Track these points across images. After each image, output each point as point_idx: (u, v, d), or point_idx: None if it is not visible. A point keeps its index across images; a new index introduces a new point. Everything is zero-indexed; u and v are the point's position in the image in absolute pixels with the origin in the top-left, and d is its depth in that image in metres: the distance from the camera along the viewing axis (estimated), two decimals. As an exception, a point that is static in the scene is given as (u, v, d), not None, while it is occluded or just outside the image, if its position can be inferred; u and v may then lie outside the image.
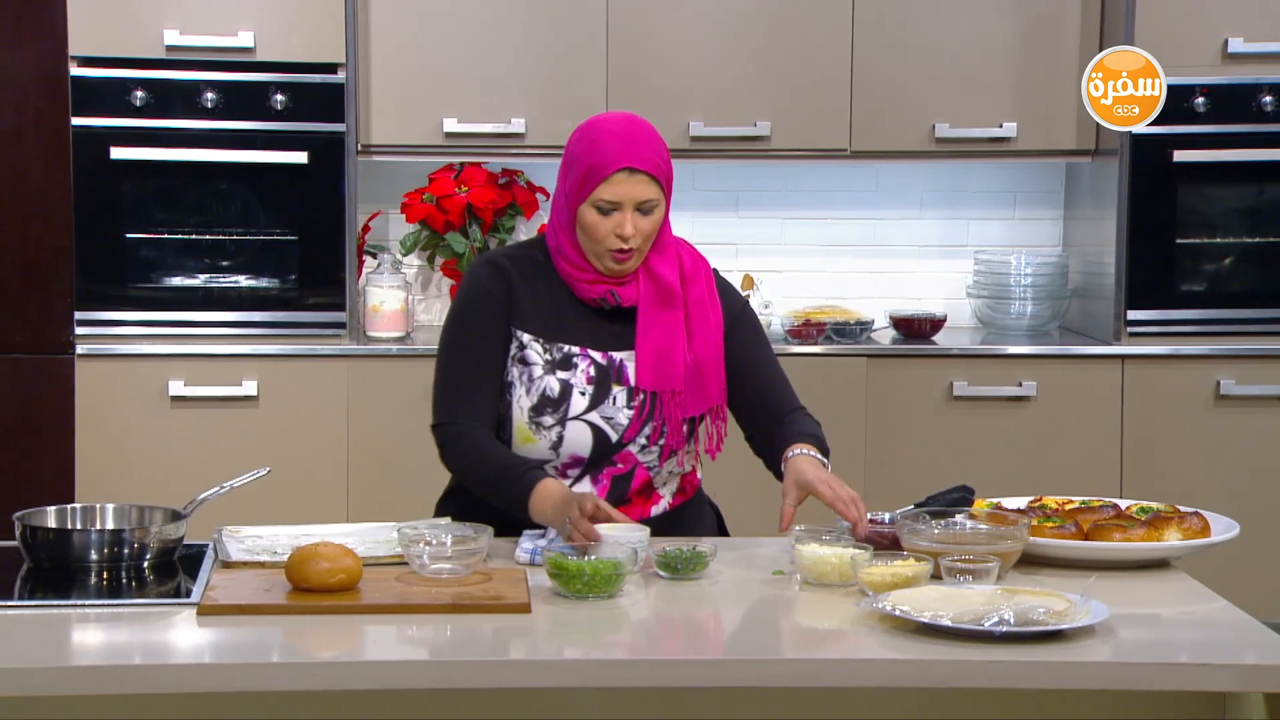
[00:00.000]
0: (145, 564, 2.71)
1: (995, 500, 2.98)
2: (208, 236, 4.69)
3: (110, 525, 2.83)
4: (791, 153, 4.95)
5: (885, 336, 5.03)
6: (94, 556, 2.68)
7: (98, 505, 2.87)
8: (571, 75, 4.83)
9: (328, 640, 2.45)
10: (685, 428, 3.01)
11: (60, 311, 4.54)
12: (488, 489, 2.96)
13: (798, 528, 2.82)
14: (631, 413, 2.99)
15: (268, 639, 2.44)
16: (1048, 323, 5.12)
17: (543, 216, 5.15)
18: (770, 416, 3.06)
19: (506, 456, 2.96)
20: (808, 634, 2.60)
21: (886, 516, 2.88)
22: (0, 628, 2.45)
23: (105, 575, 2.67)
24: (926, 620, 2.41)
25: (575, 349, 3.00)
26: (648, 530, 2.80)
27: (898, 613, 2.44)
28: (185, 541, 2.80)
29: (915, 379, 4.82)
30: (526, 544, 2.83)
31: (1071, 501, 2.99)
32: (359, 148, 4.74)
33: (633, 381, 3.00)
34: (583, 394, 2.98)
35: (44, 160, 4.50)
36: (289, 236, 4.71)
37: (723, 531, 3.22)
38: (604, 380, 2.99)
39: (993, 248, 5.24)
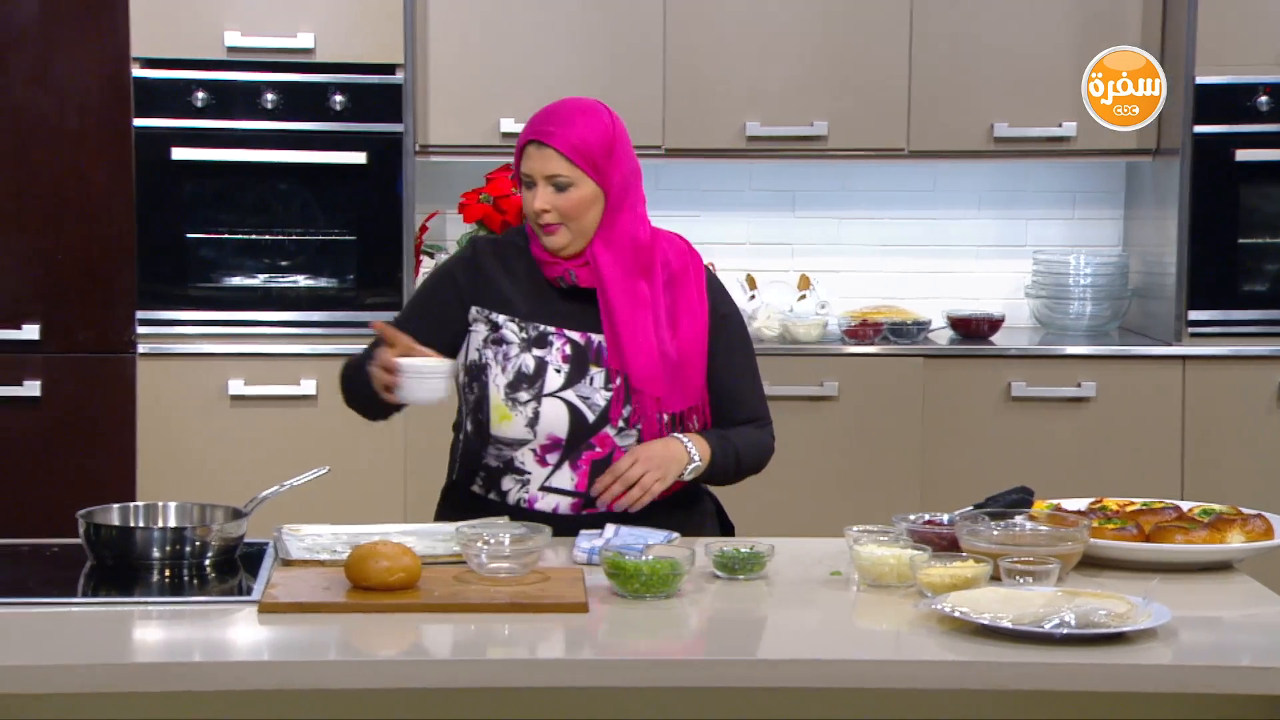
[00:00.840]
0: (206, 562, 2.73)
1: (1055, 501, 2.96)
2: (267, 236, 4.72)
3: (172, 523, 2.85)
4: (849, 152, 4.93)
5: (942, 337, 5.01)
6: (156, 554, 2.70)
7: (160, 503, 2.89)
8: (629, 75, 4.83)
9: (387, 639, 2.46)
10: (665, 418, 3.02)
11: (122, 311, 4.57)
12: (357, 386, 3.02)
13: (854, 528, 2.81)
14: (610, 394, 3.00)
15: (327, 637, 2.46)
16: (1107, 323, 5.08)
17: (599, 216, 5.15)
18: (726, 425, 3.09)
19: (366, 354, 3.01)
20: (866, 635, 2.59)
21: (945, 518, 2.87)
22: (64, 624, 2.48)
23: (167, 573, 2.69)
24: (986, 622, 2.40)
25: (551, 328, 3.03)
26: (450, 363, 2.89)
27: (957, 614, 2.43)
28: (245, 540, 2.82)
29: (973, 379, 4.80)
30: (584, 544, 2.84)
31: (1133, 503, 2.97)
32: (417, 148, 4.76)
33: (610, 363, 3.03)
34: (558, 371, 3.01)
35: (106, 161, 4.54)
36: (347, 236, 4.73)
37: (725, 522, 3.21)
38: (581, 360, 3.02)
39: (1052, 248, 5.21)
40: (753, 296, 5.06)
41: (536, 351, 3.02)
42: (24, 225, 4.54)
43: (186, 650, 2.46)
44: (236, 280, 4.70)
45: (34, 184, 4.53)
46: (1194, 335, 4.80)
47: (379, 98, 4.68)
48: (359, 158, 4.67)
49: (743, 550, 2.75)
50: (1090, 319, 5.05)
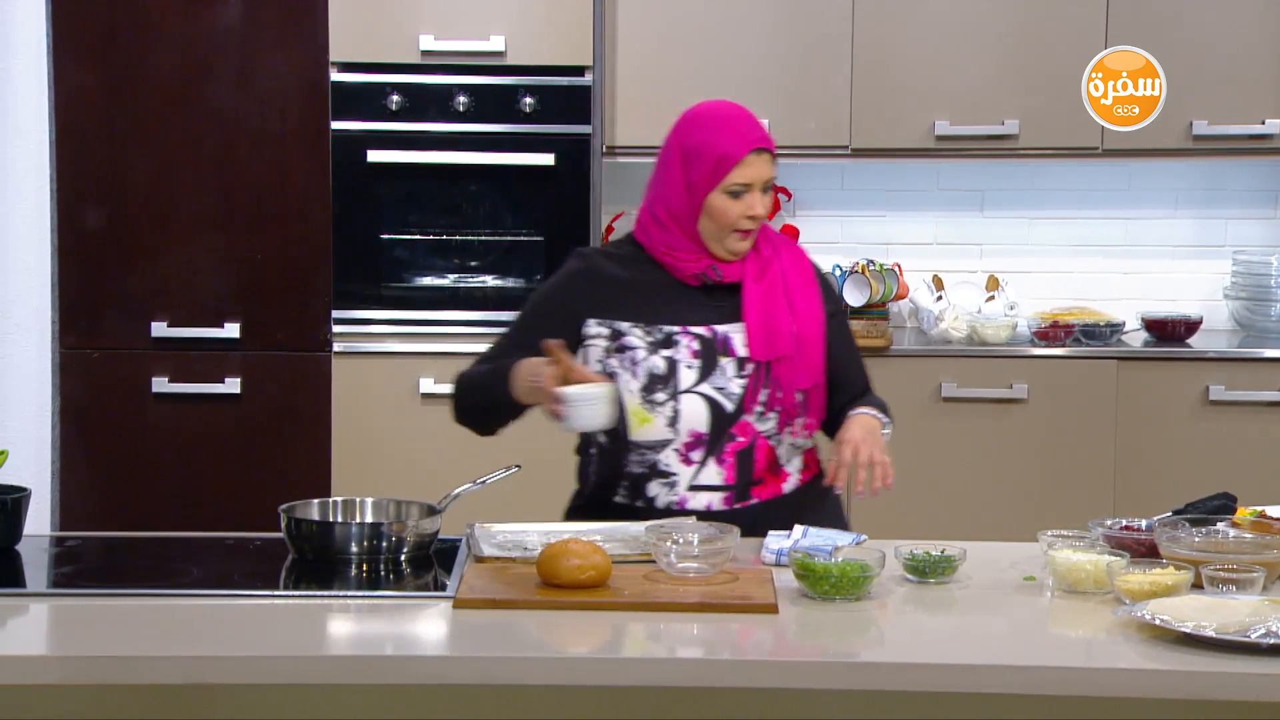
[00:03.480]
0: (402, 557, 2.78)
1: (1259, 508, 2.88)
2: (457, 237, 4.78)
3: (369, 519, 2.90)
4: (1040, 151, 4.86)
5: (1136, 339, 4.91)
6: (354, 549, 2.76)
7: (358, 499, 2.93)
8: (816, 75, 4.81)
9: (579, 636, 2.48)
10: (798, 396, 3.02)
11: (319, 310, 4.67)
12: (485, 402, 3.03)
13: (1048, 533, 2.76)
14: (744, 381, 3.00)
15: (521, 633, 2.48)
16: (1311, 325, 4.94)
17: (784, 217, 5.14)
18: (845, 399, 3.10)
19: (494, 367, 3.02)
20: (1063, 641, 2.54)
21: (1143, 523, 2.81)
22: (265, 616, 2.54)
23: (365, 567, 2.74)
24: (1189, 630, 2.34)
25: (676, 328, 3.03)
26: (612, 386, 2.83)
27: (1157, 621, 2.38)
28: (439, 536, 2.86)
29: (1169, 382, 4.69)
30: (773, 544, 2.83)
31: (1342, 511, 2.88)
32: (604, 149, 4.79)
33: (740, 352, 3.02)
34: (690, 368, 3.01)
35: (305, 164, 4.65)
36: (535, 237, 4.78)
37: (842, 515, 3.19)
38: (710, 354, 3.02)
39: (1252, 248, 5.07)
40: (940, 297, 5.00)
41: (664, 352, 3.02)
42: (227, 227, 4.66)
43: (383, 644, 2.50)
44: (427, 280, 4.78)
45: (236, 186, 4.65)
46: (1402, 338, 4.64)
47: (567, 99, 4.72)
48: (547, 159, 4.72)
49: (934, 553, 2.72)
50: (1293, 321, 4.91)
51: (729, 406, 3.00)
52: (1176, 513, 2.85)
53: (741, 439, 3.01)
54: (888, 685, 2.37)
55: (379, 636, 2.52)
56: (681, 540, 2.70)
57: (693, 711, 2.44)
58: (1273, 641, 2.30)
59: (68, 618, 2.54)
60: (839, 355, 3.12)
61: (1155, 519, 2.81)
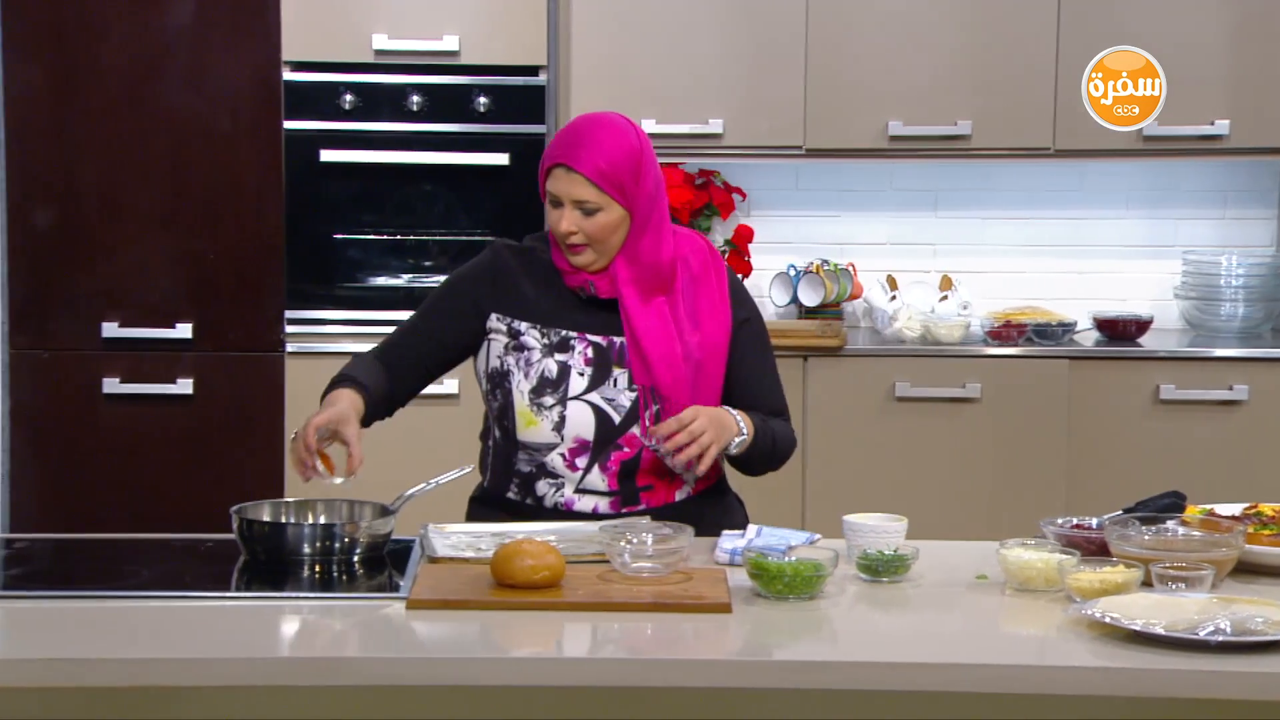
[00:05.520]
0: (355, 558, 2.77)
1: (1208, 506, 2.90)
2: (411, 237, 4.77)
3: (322, 520, 2.90)
4: (993, 152, 4.88)
5: (1088, 339, 4.94)
6: (307, 550, 2.74)
7: (310, 500, 2.94)
8: (770, 76, 4.82)
9: (532, 636, 2.48)
10: None
11: (271, 311, 4.65)
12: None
13: (1011, 541, 2.75)
14: (634, 395, 3.01)
15: (474, 634, 2.48)
16: (1260, 325, 4.97)
17: (739, 217, 5.15)
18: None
19: (345, 371, 3.06)
20: (1014, 639, 2.56)
21: (1094, 522, 2.83)
22: (217, 618, 2.53)
23: (317, 569, 2.73)
24: (1138, 628, 2.35)
25: (573, 333, 3.03)
26: (905, 521, 2.80)
27: (1108, 620, 2.39)
28: (393, 537, 2.85)
29: (1120, 382, 4.72)
30: (726, 544, 2.84)
31: (1289, 509, 2.91)
32: (559, 149, 4.78)
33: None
34: (581, 374, 3.02)
35: (257, 163, 4.63)
36: (489, 237, 4.72)
37: (746, 518, 3.18)
38: (603, 362, 3.02)
39: (1202, 248, 5.11)
40: (893, 297, 5.02)
41: (558, 356, 3.03)
42: (178, 226, 4.64)
43: (336, 645, 2.49)
44: (381, 280, 4.77)
45: (188, 186, 4.63)
46: (1350, 337, 4.69)
47: (522, 99, 4.72)
48: (501, 159, 4.71)
49: (886, 553, 2.73)
50: (1242, 321, 4.94)
51: (616, 418, 3.01)
52: (1127, 511, 2.87)
53: (627, 450, 3.02)
54: (840, 684, 2.37)
55: (332, 638, 2.51)
56: (635, 540, 2.70)
57: (646, 712, 2.44)
58: (1221, 639, 2.32)
59: (17, 620, 2.52)
60: (745, 369, 3.09)
61: (1105, 517, 2.82)
